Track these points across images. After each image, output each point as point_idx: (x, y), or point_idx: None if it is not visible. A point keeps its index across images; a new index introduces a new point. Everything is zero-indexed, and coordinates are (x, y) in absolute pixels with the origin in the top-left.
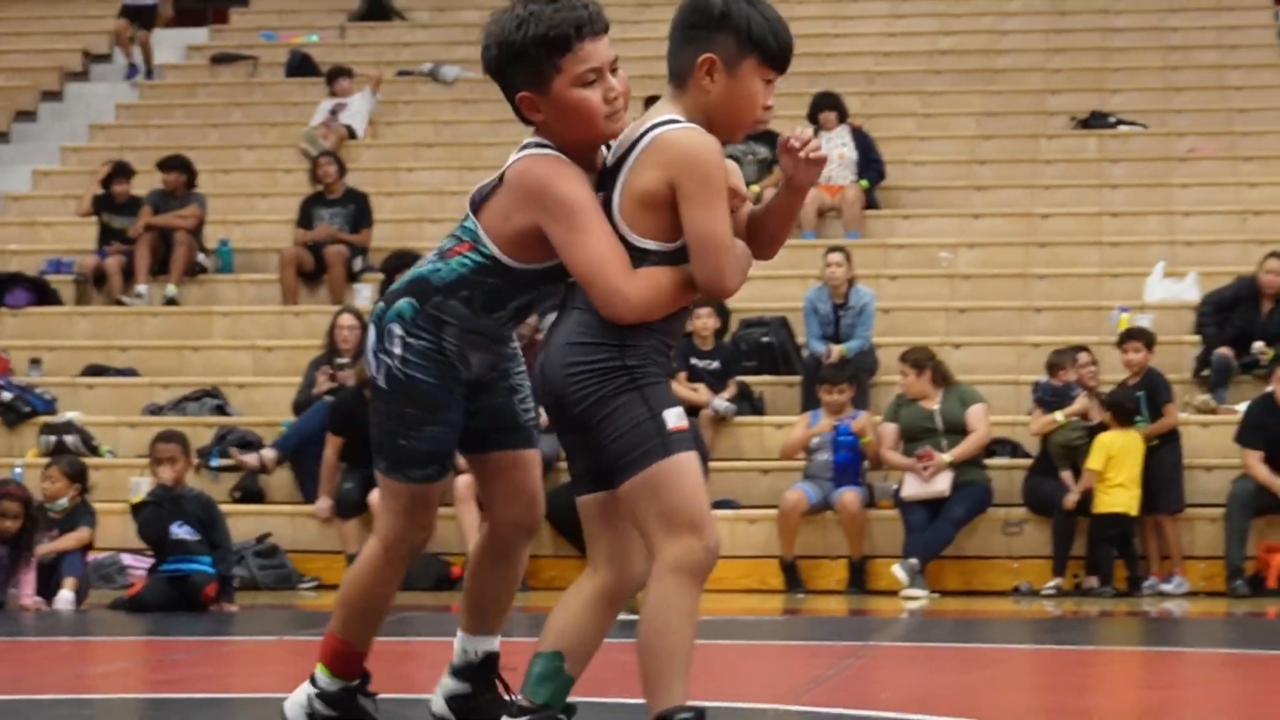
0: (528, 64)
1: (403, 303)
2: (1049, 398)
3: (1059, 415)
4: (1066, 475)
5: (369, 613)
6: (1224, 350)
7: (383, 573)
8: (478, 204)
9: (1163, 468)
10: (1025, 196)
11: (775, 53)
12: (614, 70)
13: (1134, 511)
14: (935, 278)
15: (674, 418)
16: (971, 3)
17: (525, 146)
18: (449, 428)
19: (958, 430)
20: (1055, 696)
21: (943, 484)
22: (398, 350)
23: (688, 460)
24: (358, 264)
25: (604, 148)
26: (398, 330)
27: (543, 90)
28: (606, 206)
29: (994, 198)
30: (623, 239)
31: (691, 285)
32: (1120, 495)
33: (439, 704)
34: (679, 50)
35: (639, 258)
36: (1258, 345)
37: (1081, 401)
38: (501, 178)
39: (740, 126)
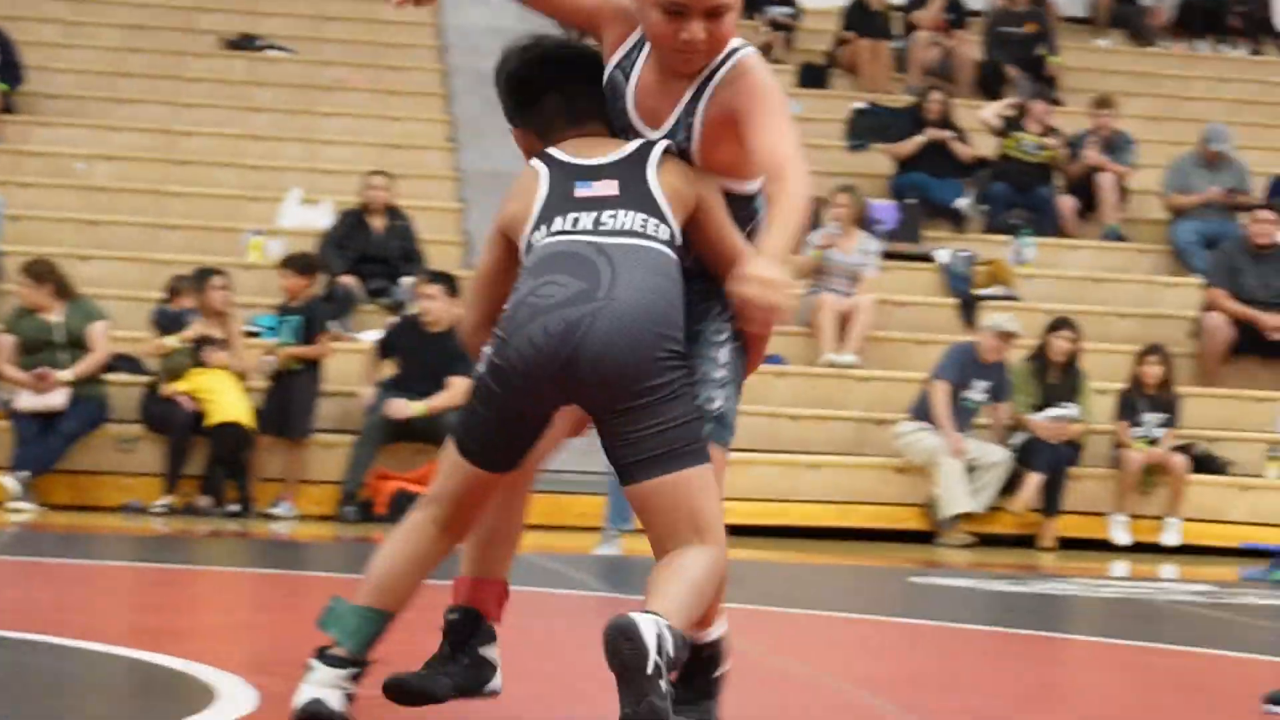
0: None
1: None
2: (163, 321)
3: (170, 340)
4: (182, 397)
5: None
6: (346, 279)
7: None
8: None
9: (301, 394)
10: (167, 113)
11: None
12: None
13: (248, 421)
14: (68, 188)
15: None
16: None
17: None
18: None
19: (79, 344)
20: (151, 615)
21: (59, 398)
22: None
23: None
24: None
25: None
26: None
27: None
28: None
29: (135, 112)
30: None
31: None
32: (233, 405)
33: None
34: None
35: None
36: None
37: (197, 327)
38: None
39: None
